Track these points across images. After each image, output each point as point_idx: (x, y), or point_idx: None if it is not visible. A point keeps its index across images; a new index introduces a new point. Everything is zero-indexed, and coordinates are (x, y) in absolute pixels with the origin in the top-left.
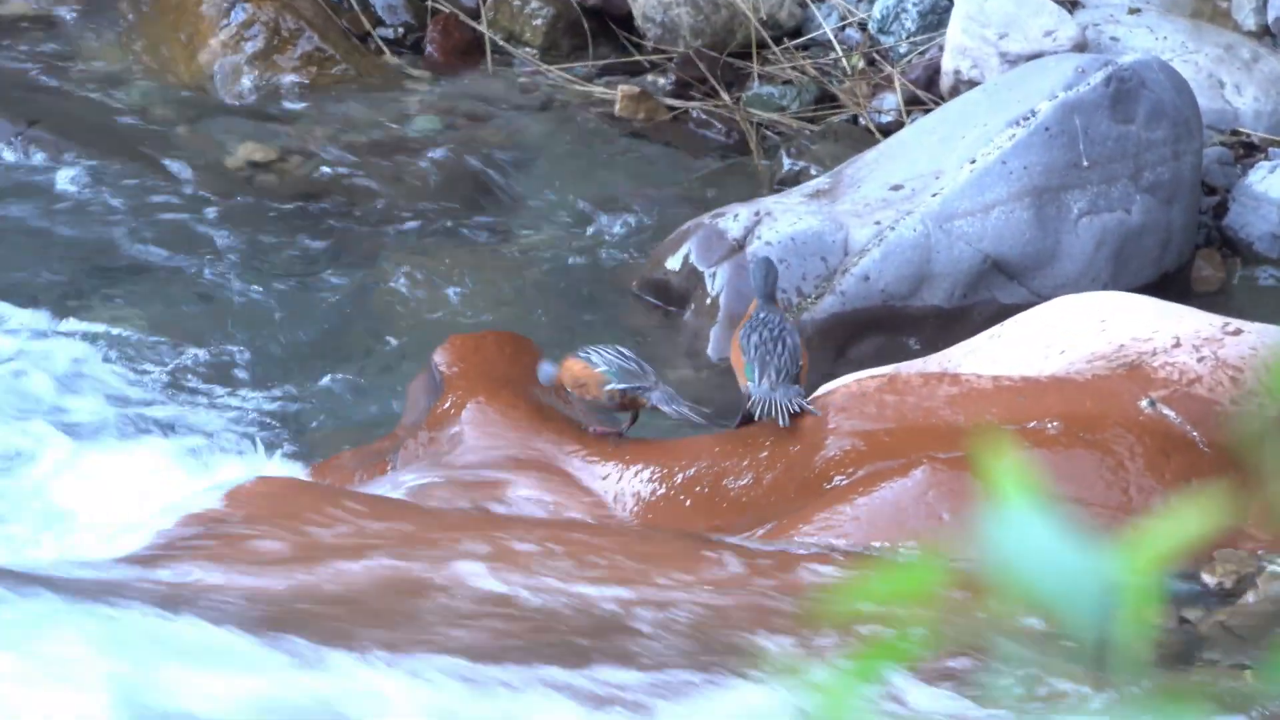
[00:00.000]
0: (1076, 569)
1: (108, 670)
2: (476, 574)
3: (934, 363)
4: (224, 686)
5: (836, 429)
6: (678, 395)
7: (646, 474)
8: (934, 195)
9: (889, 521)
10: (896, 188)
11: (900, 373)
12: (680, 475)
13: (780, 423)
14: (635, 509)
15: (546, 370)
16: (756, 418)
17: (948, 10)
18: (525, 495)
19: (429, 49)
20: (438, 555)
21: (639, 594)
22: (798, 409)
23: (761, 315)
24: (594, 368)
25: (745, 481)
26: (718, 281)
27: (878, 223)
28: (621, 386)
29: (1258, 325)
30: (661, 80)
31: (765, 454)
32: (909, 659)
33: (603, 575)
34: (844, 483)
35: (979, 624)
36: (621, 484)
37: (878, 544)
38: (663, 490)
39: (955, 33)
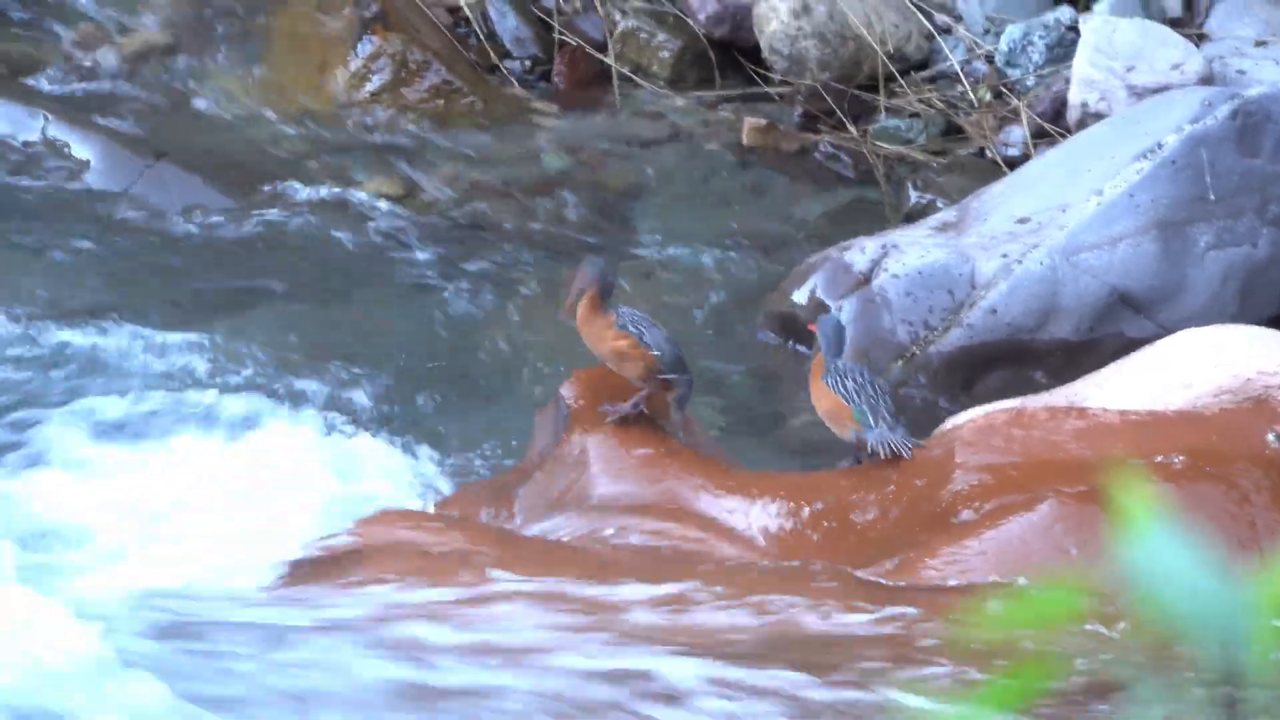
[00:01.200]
0: (1215, 598)
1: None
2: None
3: (1060, 397)
4: None
5: (964, 463)
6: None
7: (774, 509)
8: (1061, 228)
9: (1016, 555)
10: (1023, 220)
11: (1027, 407)
12: (808, 510)
13: (906, 455)
14: (763, 544)
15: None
16: (882, 456)
17: (1074, 43)
18: (652, 530)
19: (556, 81)
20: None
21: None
22: (913, 444)
23: (840, 364)
24: (647, 349)
25: (872, 516)
26: (844, 314)
27: (1004, 256)
28: (671, 377)
29: None
30: (789, 112)
31: (892, 488)
32: (1046, 689)
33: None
34: (971, 517)
35: (1114, 657)
36: (750, 519)
37: (1005, 578)
38: (790, 525)
39: (1082, 65)
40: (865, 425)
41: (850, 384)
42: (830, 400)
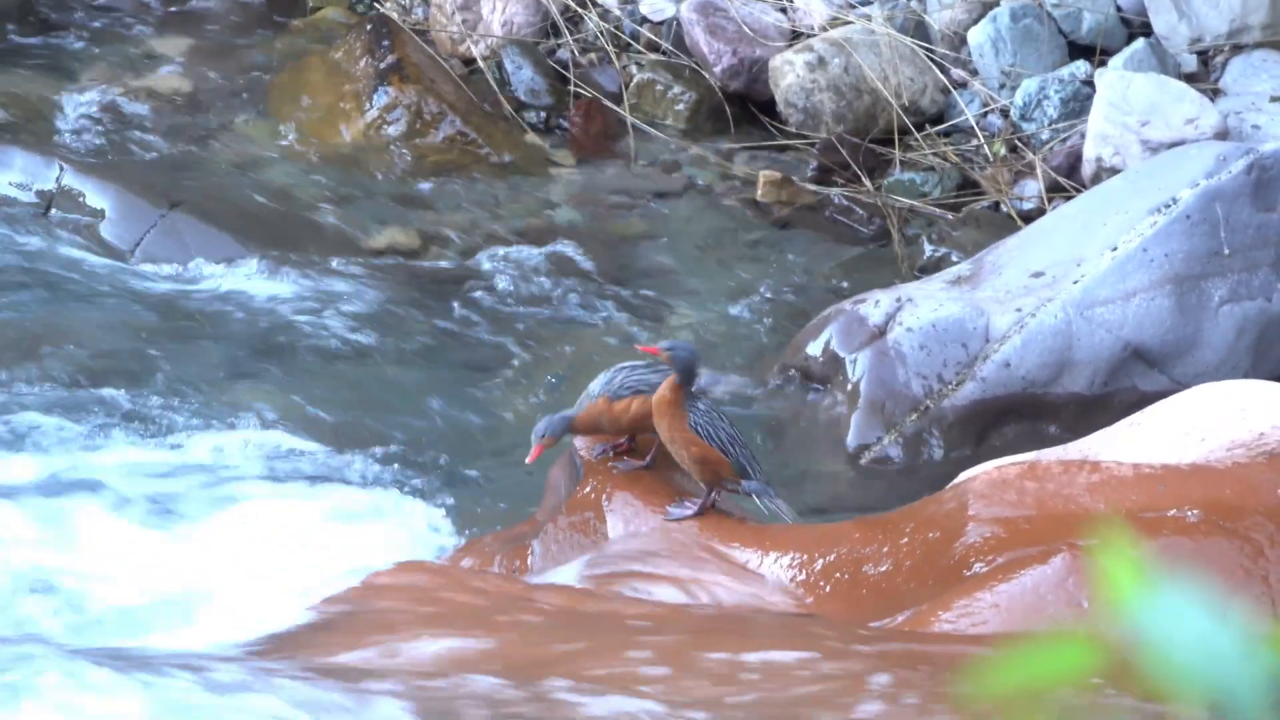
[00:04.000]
0: (1230, 655)
1: None
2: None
3: (1074, 450)
4: None
5: (977, 516)
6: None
7: (786, 560)
8: (1075, 282)
9: (1029, 609)
10: (1038, 274)
11: (1041, 460)
12: (820, 562)
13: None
14: (775, 597)
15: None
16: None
17: (1090, 98)
18: (665, 580)
19: (571, 132)
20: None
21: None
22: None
23: (701, 405)
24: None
25: (885, 568)
26: (859, 367)
27: (1019, 309)
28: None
29: None
30: (803, 165)
31: (905, 540)
32: None
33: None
34: (984, 570)
35: (1125, 714)
36: (762, 570)
37: (1017, 631)
38: (803, 577)
39: (1097, 120)
40: (744, 476)
41: (723, 434)
42: (702, 448)
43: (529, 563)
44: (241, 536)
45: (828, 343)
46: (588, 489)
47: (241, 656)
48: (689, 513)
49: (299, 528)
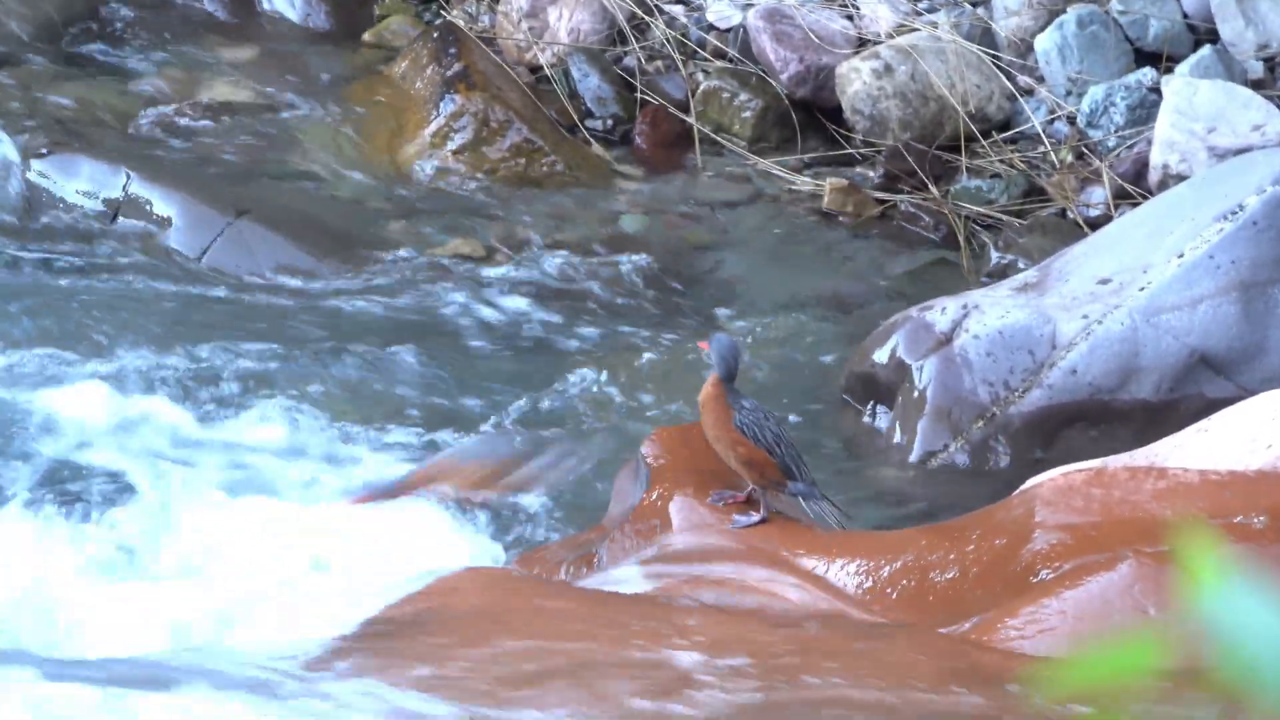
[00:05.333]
0: None
1: None
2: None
3: (1141, 457)
4: None
5: (1043, 522)
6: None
7: (853, 567)
8: (1141, 289)
9: (1095, 615)
10: (1104, 281)
11: (1107, 466)
12: (887, 569)
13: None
14: (841, 603)
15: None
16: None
17: (1156, 104)
18: (734, 587)
19: (637, 140)
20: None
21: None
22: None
23: (747, 404)
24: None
25: (951, 575)
26: (925, 375)
27: (1085, 316)
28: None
29: None
30: (870, 173)
31: (972, 548)
32: None
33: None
34: (1050, 576)
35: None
36: (828, 576)
37: (1084, 637)
38: (869, 584)
39: (1164, 127)
40: (789, 478)
41: (769, 435)
42: (748, 448)
43: (595, 569)
44: (307, 539)
45: (894, 350)
46: (654, 496)
47: (309, 663)
48: (753, 520)
49: (366, 531)
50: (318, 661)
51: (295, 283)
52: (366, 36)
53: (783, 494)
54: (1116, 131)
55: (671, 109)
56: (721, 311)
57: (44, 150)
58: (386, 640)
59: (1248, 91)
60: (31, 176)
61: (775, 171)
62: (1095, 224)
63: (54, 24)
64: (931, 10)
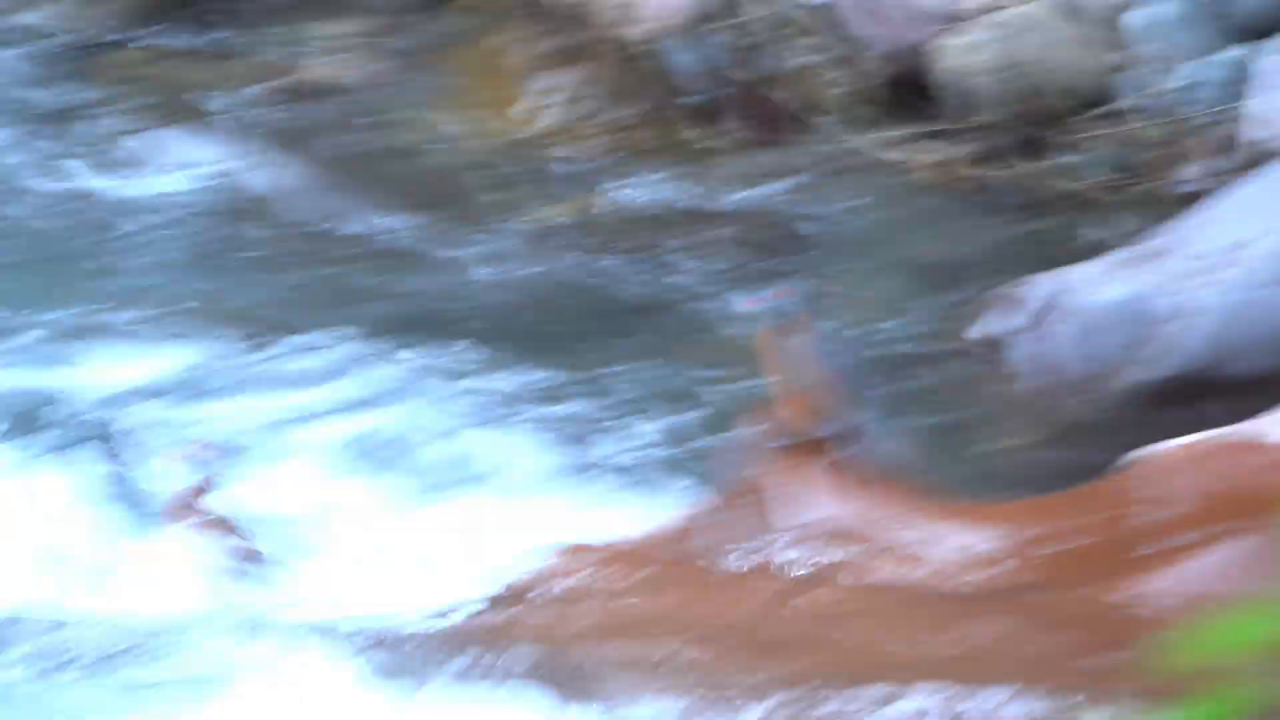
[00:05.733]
0: None
1: None
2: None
3: (1245, 430)
4: None
5: (1148, 497)
6: None
7: (967, 538)
8: (1240, 265)
9: (1206, 589)
10: (1201, 256)
11: (1211, 440)
12: (1003, 539)
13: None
14: (958, 573)
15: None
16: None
17: (1249, 81)
18: (853, 555)
19: (729, 117)
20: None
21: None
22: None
23: (806, 338)
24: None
25: (1056, 549)
26: (1021, 350)
27: (1183, 292)
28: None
29: None
30: (963, 148)
31: (1078, 521)
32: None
33: None
34: (1154, 552)
35: None
36: (944, 547)
37: (1208, 605)
38: (984, 551)
39: (1256, 103)
40: (844, 416)
41: (827, 371)
42: (803, 383)
43: (697, 546)
44: (412, 512)
45: (989, 325)
46: (756, 470)
47: (424, 637)
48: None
49: (471, 506)
50: (440, 636)
51: (396, 249)
52: (458, 6)
53: (841, 433)
54: (1209, 108)
55: (762, 86)
56: (815, 285)
57: (145, 127)
58: (500, 615)
59: None
60: (135, 151)
61: (867, 147)
62: (1189, 200)
63: (147, 6)
64: None
